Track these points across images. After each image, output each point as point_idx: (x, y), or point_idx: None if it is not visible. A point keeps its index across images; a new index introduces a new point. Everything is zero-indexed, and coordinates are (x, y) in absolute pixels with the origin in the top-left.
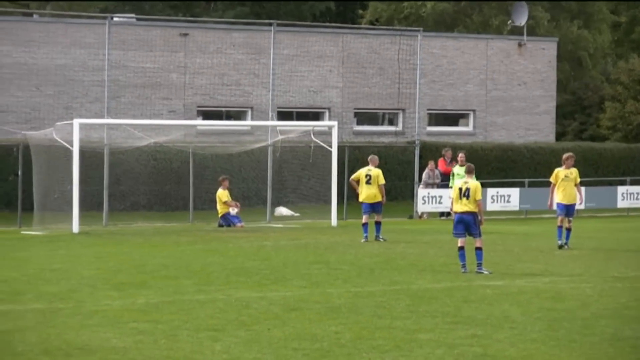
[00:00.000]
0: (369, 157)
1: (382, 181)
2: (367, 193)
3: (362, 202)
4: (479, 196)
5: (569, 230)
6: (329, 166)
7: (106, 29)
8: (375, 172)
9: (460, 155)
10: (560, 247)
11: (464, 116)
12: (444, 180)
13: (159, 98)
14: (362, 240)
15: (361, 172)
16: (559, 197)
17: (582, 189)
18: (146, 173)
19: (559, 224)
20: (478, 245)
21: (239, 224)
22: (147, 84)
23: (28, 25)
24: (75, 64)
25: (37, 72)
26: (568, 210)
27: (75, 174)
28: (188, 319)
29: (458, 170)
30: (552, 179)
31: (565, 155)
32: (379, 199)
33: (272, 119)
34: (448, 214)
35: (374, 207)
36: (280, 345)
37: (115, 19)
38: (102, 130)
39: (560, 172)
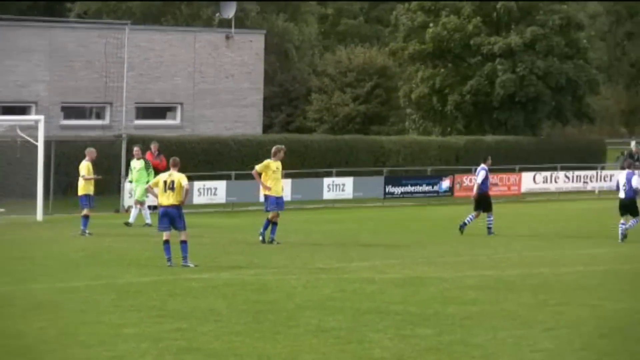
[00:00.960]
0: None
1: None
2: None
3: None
4: (185, 184)
5: (275, 224)
6: (35, 161)
7: None
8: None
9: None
10: (270, 241)
11: (172, 109)
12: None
13: None
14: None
15: (270, 164)
16: (269, 189)
17: (289, 180)
18: None
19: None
20: (183, 238)
21: None
22: None
23: None
24: None
25: None
26: (278, 202)
27: None
28: None
29: (134, 164)
30: (259, 169)
31: (276, 148)
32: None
33: None
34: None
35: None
36: None
37: None
38: None
39: (271, 164)
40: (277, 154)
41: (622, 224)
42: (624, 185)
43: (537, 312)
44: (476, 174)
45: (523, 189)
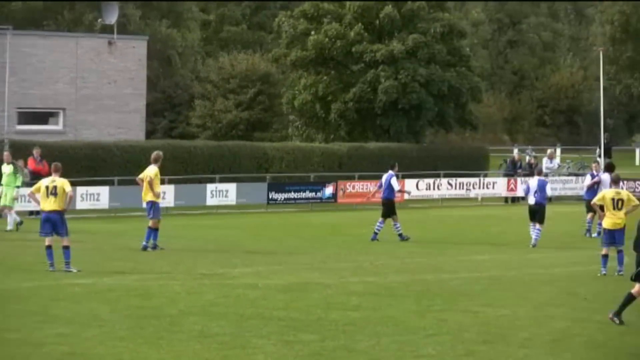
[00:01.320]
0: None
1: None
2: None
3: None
4: (69, 190)
5: (157, 229)
6: None
7: None
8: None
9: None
10: (152, 248)
11: (54, 115)
12: (34, 179)
13: None
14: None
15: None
16: (152, 196)
17: (172, 186)
18: None
19: (152, 225)
20: (65, 243)
21: None
22: None
23: None
24: None
25: None
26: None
27: None
28: None
29: (4, 168)
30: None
31: (157, 154)
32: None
33: None
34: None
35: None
36: None
37: None
38: None
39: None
40: (158, 160)
41: (533, 227)
42: (535, 192)
43: (420, 318)
44: (384, 180)
45: (406, 196)
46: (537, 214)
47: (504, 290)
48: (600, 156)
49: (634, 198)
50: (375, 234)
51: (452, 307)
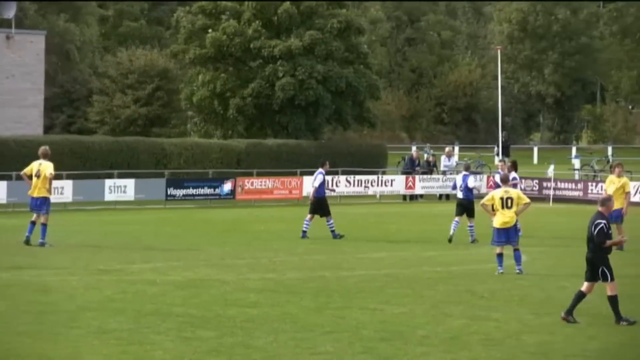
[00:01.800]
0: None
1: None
2: None
3: None
4: None
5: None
6: None
7: None
8: None
9: None
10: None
11: None
12: None
13: None
14: None
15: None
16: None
17: (70, 181)
18: None
19: (45, 221)
20: None
21: None
22: None
23: None
24: None
25: None
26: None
27: None
28: None
29: None
30: (27, 171)
31: (45, 149)
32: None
33: None
34: None
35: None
36: None
37: None
38: None
39: (35, 165)
40: (49, 155)
41: (456, 222)
42: (461, 187)
43: (317, 315)
44: (314, 178)
45: (304, 193)
46: (464, 208)
47: (402, 288)
48: (498, 154)
49: (524, 197)
50: (304, 232)
51: (350, 304)
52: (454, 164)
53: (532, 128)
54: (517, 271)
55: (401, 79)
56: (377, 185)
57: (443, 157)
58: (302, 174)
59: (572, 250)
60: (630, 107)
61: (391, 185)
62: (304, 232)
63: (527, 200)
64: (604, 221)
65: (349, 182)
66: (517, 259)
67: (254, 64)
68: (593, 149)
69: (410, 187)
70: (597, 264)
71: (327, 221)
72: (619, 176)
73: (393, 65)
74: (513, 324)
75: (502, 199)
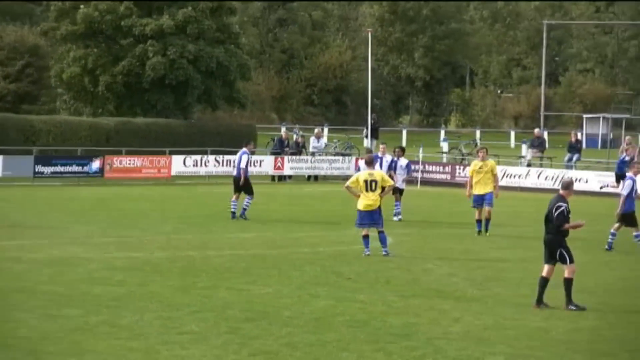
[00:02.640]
0: None
1: None
2: None
3: None
4: None
5: None
6: None
7: None
8: None
9: None
10: None
11: None
12: None
13: None
14: None
15: None
16: None
17: None
18: None
19: None
20: None
21: None
22: None
23: None
24: None
25: None
26: None
27: None
28: None
29: None
30: None
31: None
32: None
33: None
34: None
35: None
36: None
37: None
38: None
39: None
40: None
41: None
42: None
43: (184, 294)
44: (238, 158)
45: (173, 172)
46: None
47: (269, 269)
48: (367, 137)
49: (388, 179)
50: (233, 212)
51: (216, 284)
52: (323, 145)
53: (401, 111)
54: (384, 253)
55: (272, 59)
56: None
57: (312, 139)
58: (171, 153)
59: (438, 233)
60: (499, 91)
61: (260, 165)
62: (233, 213)
63: (392, 182)
64: (565, 204)
65: (218, 161)
66: (383, 241)
67: (125, 42)
68: (461, 133)
69: (279, 168)
70: (555, 247)
71: (248, 199)
72: (482, 160)
73: (264, 46)
74: (378, 305)
75: (366, 181)
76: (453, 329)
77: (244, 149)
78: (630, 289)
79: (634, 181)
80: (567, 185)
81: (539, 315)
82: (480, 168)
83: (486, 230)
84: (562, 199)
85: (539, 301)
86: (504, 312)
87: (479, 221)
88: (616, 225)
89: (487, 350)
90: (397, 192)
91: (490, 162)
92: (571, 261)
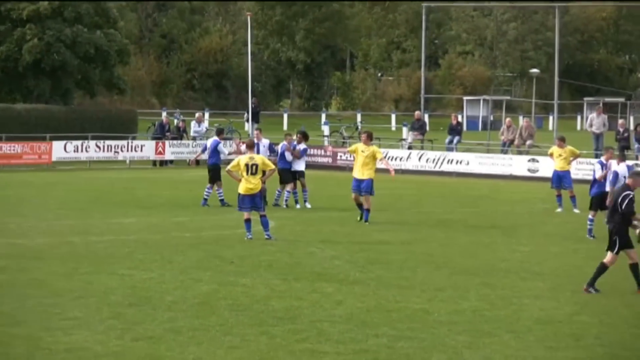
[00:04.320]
0: None
1: None
2: None
3: None
4: None
5: None
6: None
7: None
8: None
9: None
10: None
11: None
12: None
13: None
14: None
15: None
16: None
17: None
18: None
19: None
20: None
21: None
22: None
23: None
24: None
25: None
26: None
27: None
28: None
29: None
30: None
31: None
32: None
33: None
34: None
35: None
36: None
37: None
38: None
39: None
40: None
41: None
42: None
43: (66, 280)
44: (210, 146)
45: (54, 158)
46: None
47: (151, 254)
48: (248, 120)
49: (269, 163)
50: (205, 199)
51: (98, 269)
52: (204, 129)
53: (282, 94)
54: (266, 237)
55: (152, 44)
56: (127, 150)
57: (193, 123)
58: (52, 139)
59: (320, 216)
60: (379, 74)
61: (141, 150)
62: (205, 200)
63: (272, 166)
64: (632, 192)
65: (98, 147)
66: (265, 225)
67: (2, 27)
68: (342, 116)
69: (160, 153)
70: (614, 234)
71: (217, 189)
72: (365, 144)
73: (144, 31)
74: (261, 289)
75: (247, 165)
76: (336, 311)
77: (216, 138)
78: (511, 270)
79: (602, 166)
80: (636, 174)
81: (421, 297)
82: (362, 151)
83: (365, 219)
84: (628, 187)
85: (591, 285)
86: (387, 295)
87: (359, 205)
88: (592, 212)
89: (370, 333)
90: (302, 176)
91: (372, 147)
92: (617, 252)
